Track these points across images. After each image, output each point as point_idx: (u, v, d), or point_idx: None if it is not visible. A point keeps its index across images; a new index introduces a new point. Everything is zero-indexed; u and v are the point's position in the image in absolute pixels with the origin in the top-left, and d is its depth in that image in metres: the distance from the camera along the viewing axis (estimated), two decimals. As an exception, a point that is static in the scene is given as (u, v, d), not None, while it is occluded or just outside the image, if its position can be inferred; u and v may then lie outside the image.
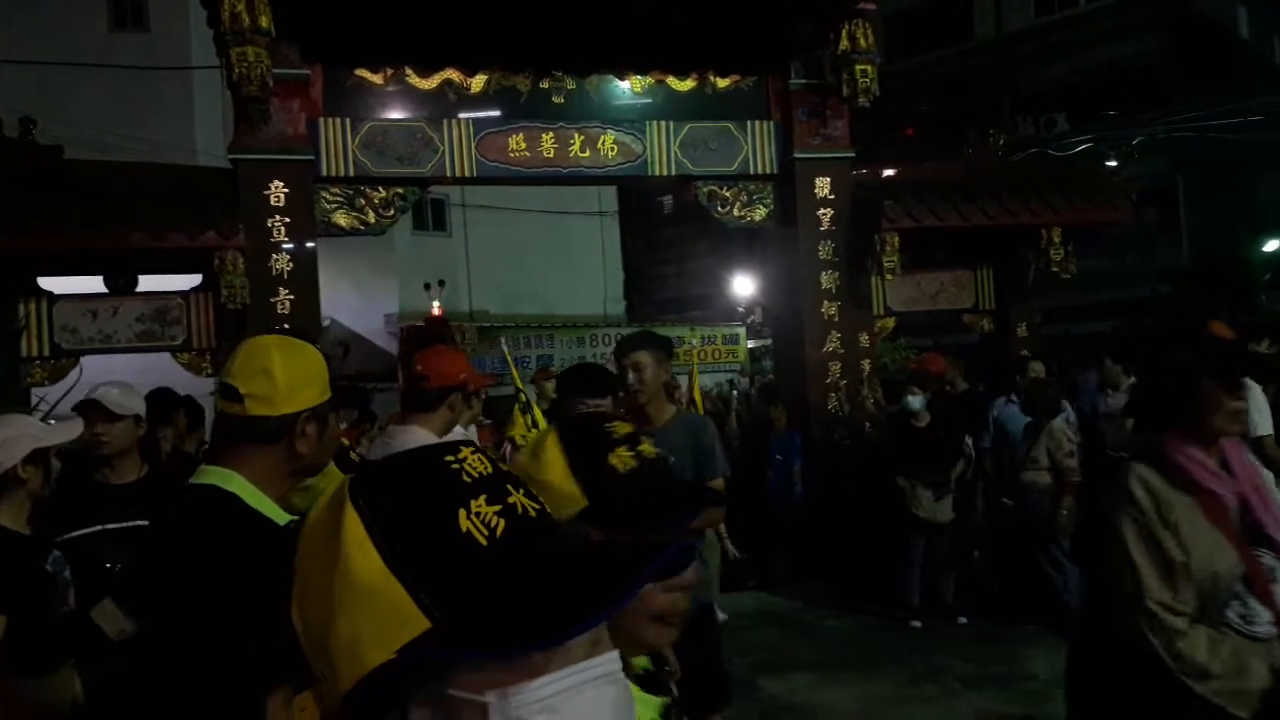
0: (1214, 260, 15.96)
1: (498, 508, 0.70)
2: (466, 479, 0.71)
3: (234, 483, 1.63)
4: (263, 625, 1.41)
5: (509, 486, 0.72)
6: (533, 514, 0.71)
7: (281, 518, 1.65)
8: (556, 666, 0.64)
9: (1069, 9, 20.40)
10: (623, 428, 1.23)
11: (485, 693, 0.63)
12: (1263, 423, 5.02)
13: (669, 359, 3.72)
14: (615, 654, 0.68)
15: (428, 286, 16.02)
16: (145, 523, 3.06)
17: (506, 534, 0.69)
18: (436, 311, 15.33)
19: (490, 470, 0.73)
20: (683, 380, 7.64)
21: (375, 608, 0.64)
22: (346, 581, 0.65)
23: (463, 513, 0.68)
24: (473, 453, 0.74)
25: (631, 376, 3.53)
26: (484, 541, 0.68)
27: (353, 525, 0.66)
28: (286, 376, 1.66)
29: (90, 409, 3.26)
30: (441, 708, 0.65)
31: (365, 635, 0.64)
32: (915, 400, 6.43)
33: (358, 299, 15.75)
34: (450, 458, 0.73)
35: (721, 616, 6.12)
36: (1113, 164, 11.73)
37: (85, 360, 6.23)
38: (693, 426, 3.70)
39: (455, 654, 0.64)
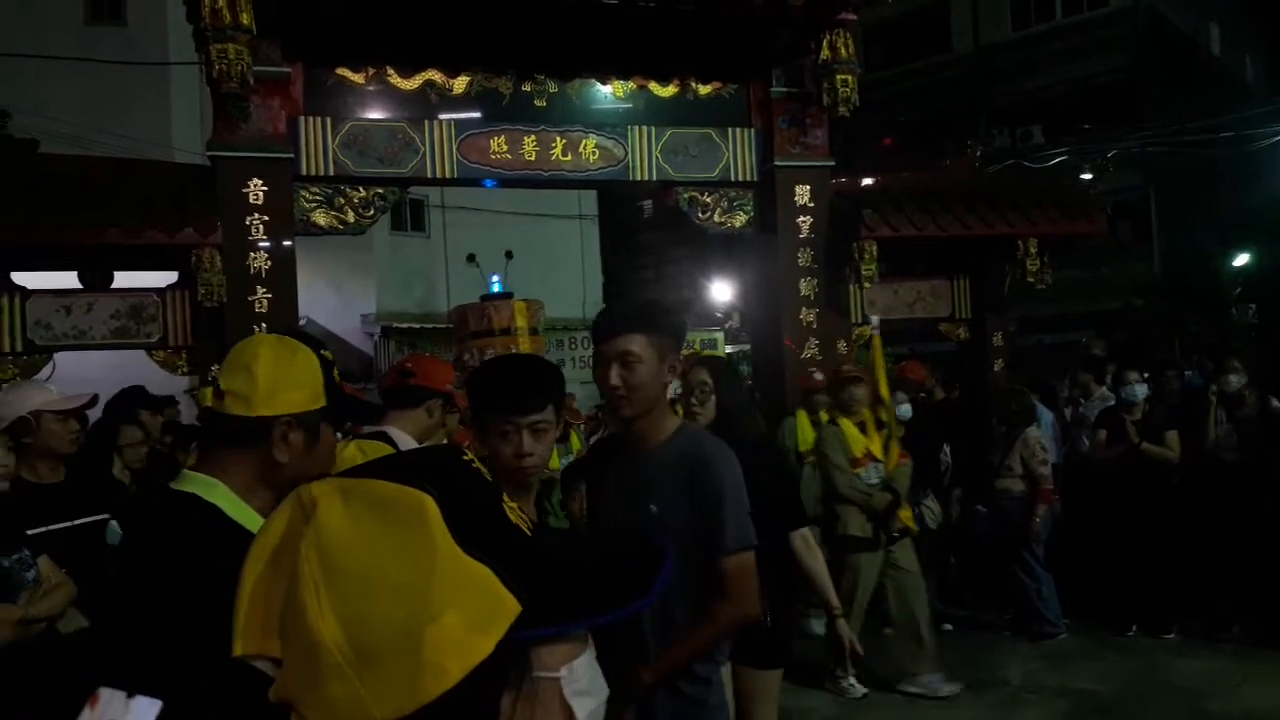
0: (1186, 273, 16.22)
1: (517, 504, 0.72)
2: (489, 479, 0.73)
3: (217, 493, 1.51)
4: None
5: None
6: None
7: None
8: (590, 640, 0.71)
9: (1045, 23, 20.65)
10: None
11: (559, 669, 0.68)
12: None
13: (678, 348, 2.39)
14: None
15: (473, 256, 13.53)
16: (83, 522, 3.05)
17: (537, 529, 0.71)
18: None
19: (491, 475, 0.74)
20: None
21: (475, 598, 0.65)
22: (447, 576, 0.64)
23: (504, 506, 0.70)
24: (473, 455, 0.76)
25: (614, 374, 2.26)
26: (529, 532, 0.70)
27: (436, 518, 0.66)
28: (268, 376, 1.52)
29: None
30: (527, 690, 0.69)
31: (475, 624, 0.64)
32: (905, 409, 6.46)
33: (335, 299, 15.66)
34: (467, 457, 0.74)
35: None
36: (1087, 177, 11.88)
37: (59, 357, 6.16)
38: (692, 455, 2.31)
39: (549, 632, 0.67)
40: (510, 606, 0.66)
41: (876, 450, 5.39)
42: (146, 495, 3.19)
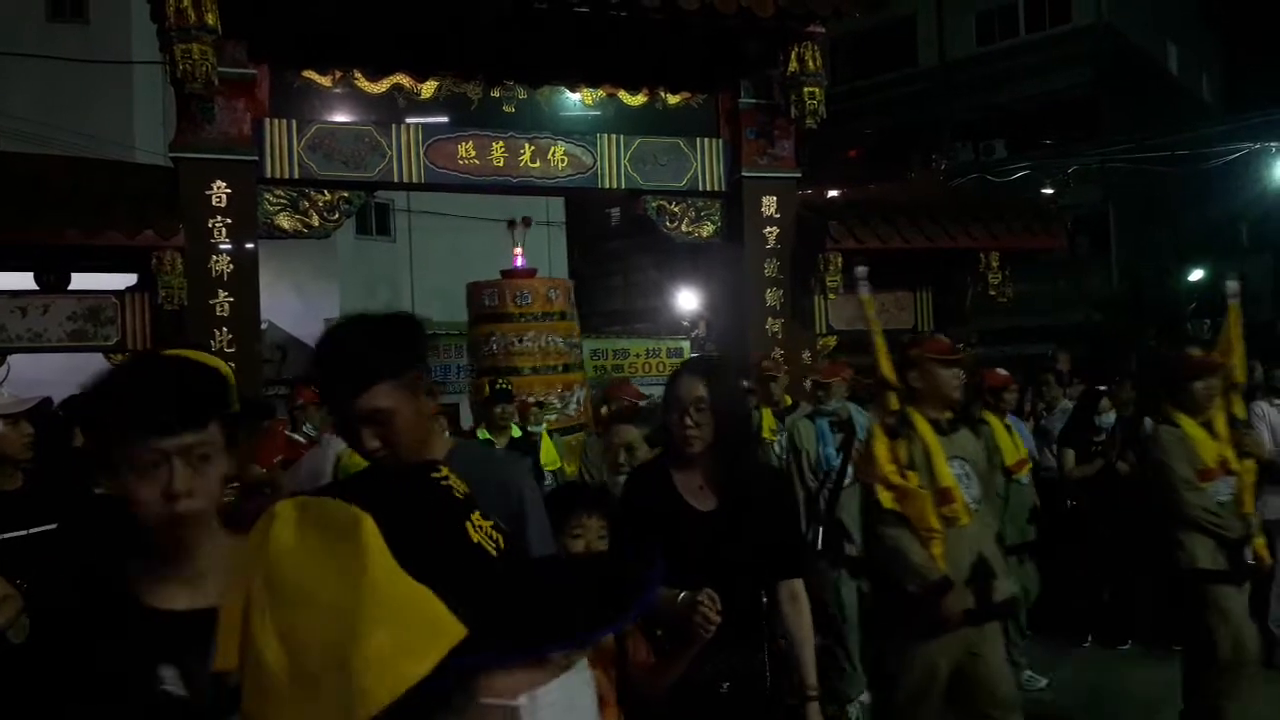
0: (1143, 288, 16.51)
1: (491, 523, 0.71)
2: (458, 495, 0.71)
3: None
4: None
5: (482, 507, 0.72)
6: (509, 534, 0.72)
7: None
8: (570, 665, 0.68)
9: (1009, 38, 20.97)
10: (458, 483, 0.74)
11: (518, 696, 0.65)
12: None
13: (424, 363, 2.00)
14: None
15: (512, 221, 11.09)
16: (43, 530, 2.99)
17: (509, 548, 0.70)
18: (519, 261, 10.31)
19: (468, 490, 0.73)
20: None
21: (410, 620, 0.62)
22: (377, 596, 0.62)
23: (469, 525, 0.68)
24: (450, 471, 0.74)
25: (368, 437, 1.87)
26: (494, 553, 0.68)
27: (373, 538, 0.64)
28: None
29: None
30: (472, 717, 0.65)
31: (406, 647, 0.62)
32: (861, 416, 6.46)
33: (298, 303, 15.50)
34: (436, 475, 0.73)
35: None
36: (1049, 191, 12.07)
37: (13, 359, 6.04)
38: (474, 477, 1.23)
39: (495, 658, 0.64)
40: (452, 630, 0.63)
41: (1231, 458, 4.03)
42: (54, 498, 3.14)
